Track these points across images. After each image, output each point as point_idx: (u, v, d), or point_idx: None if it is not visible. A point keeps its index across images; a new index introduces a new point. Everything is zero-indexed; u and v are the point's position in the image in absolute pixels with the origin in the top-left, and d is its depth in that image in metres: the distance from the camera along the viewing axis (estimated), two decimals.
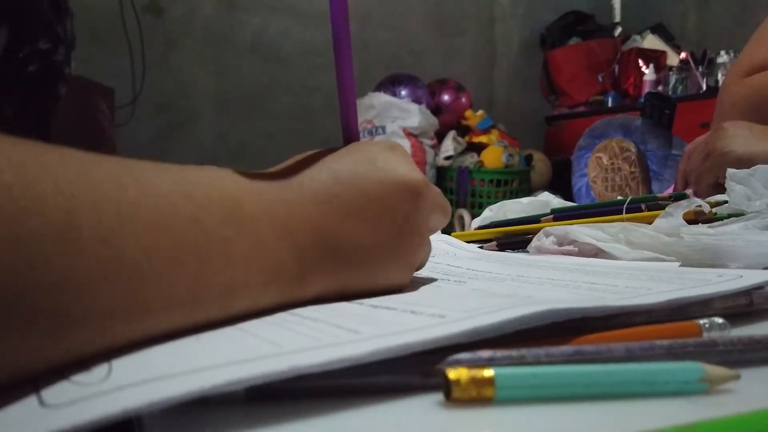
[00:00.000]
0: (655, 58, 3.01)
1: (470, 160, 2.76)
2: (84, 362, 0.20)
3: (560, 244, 0.49)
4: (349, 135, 0.36)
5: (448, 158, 2.76)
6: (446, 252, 0.49)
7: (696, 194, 0.80)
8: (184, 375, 0.18)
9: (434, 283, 0.35)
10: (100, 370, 0.19)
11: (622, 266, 0.41)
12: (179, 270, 0.23)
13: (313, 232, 0.28)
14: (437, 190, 0.35)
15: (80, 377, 0.19)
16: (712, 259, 0.39)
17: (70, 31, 0.54)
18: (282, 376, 0.19)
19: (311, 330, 0.23)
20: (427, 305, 0.26)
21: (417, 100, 2.71)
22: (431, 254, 0.37)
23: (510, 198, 0.73)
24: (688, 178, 0.82)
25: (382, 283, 0.32)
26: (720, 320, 0.26)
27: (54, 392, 0.18)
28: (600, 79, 3.11)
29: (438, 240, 0.54)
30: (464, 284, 0.35)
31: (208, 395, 0.18)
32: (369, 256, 0.30)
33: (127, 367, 0.20)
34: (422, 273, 0.39)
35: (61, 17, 0.52)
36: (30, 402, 0.18)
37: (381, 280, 0.31)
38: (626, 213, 0.55)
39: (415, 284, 0.35)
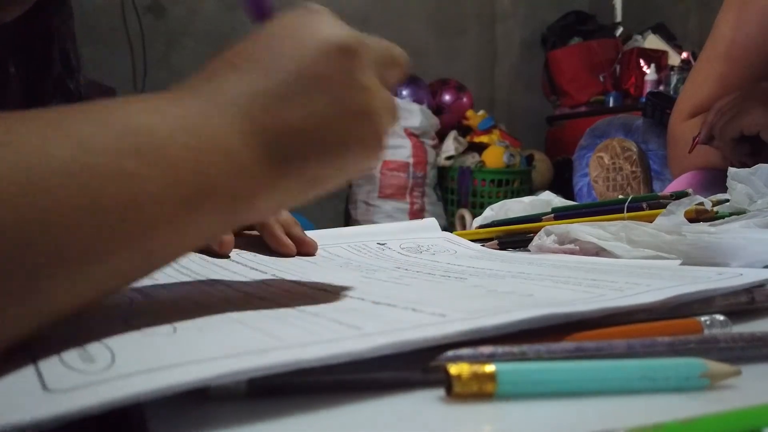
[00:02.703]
0: (656, 58, 3.01)
1: (471, 160, 2.75)
2: (85, 352, 0.20)
3: (561, 243, 0.49)
4: (260, 11, 0.32)
5: (449, 158, 2.76)
6: (446, 250, 0.50)
7: (718, 148, 0.83)
8: (188, 365, 0.18)
9: (435, 280, 0.35)
10: (103, 360, 0.19)
11: (622, 264, 0.41)
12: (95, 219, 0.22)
13: (242, 136, 0.26)
14: (376, 43, 0.30)
15: (83, 366, 0.19)
16: (713, 258, 0.39)
17: (81, 86, 0.55)
18: (284, 369, 0.19)
19: (313, 325, 0.23)
20: (427, 304, 0.26)
21: (418, 100, 2.71)
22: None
23: (511, 198, 0.73)
24: (713, 130, 0.83)
25: (351, 165, 0.29)
26: (721, 317, 0.26)
27: (57, 378, 0.18)
28: (601, 79, 3.11)
29: (438, 237, 0.54)
30: (465, 281, 0.35)
31: (211, 385, 0.18)
32: (317, 139, 0.27)
33: (131, 357, 0.20)
34: (422, 270, 0.39)
35: (71, 72, 0.52)
36: (33, 387, 0.18)
37: (346, 162, 0.29)
38: (627, 212, 0.55)
39: (416, 281, 0.35)
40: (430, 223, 0.57)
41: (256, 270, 0.39)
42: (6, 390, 0.18)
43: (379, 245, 0.50)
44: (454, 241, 0.53)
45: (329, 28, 0.28)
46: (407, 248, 0.49)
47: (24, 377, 0.18)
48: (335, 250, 0.48)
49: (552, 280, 0.34)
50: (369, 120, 0.28)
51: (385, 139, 0.30)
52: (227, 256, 0.43)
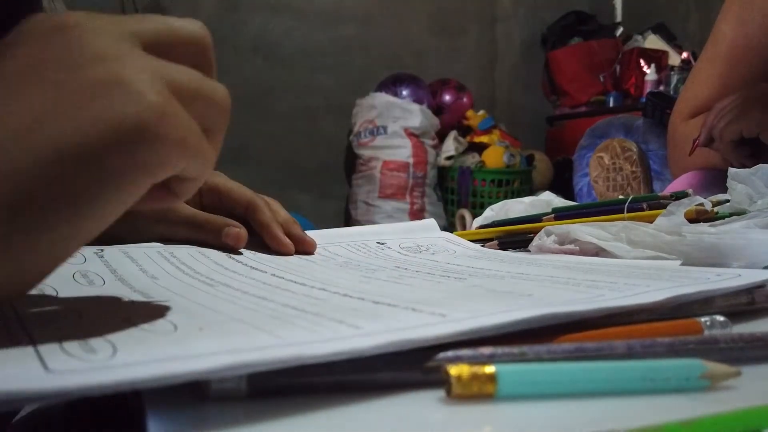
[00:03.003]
0: (656, 58, 3.01)
1: (471, 160, 2.76)
2: (87, 344, 0.20)
3: (561, 243, 0.49)
4: None
5: (449, 158, 2.76)
6: (446, 250, 0.50)
7: (718, 150, 0.83)
8: (189, 358, 0.19)
9: (434, 280, 0.35)
10: (104, 352, 0.19)
11: (622, 264, 0.41)
12: None
13: None
14: (137, 20, 0.23)
15: (85, 356, 0.19)
16: (713, 258, 0.39)
17: None
18: (285, 365, 0.19)
19: (313, 324, 0.23)
20: (427, 303, 0.26)
21: (418, 100, 2.71)
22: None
23: (511, 198, 0.73)
24: (713, 132, 0.83)
25: (134, 167, 0.21)
26: (721, 318, 0.26)
27: (59, 362, 0.18)
28: (601, 79, 3.11)
29: (437, 237, 0.54)
30: (464, 281, 0.35)
31: (211, 385, 0.18)
32: (43, 142, 0.19)
33: (132, 350, 0.20)
34: (421, 270, 0.39)
35: None
36: (34, 367, 0.18)
37: (119, 162, 0.20)
38: (627, 212, 0.55)
39: (416, 281, 0.35)
40: (430, 223, 0.57)
41: (257, 269, 0.39)
42: (7, 368, 0.18)
43: (378, 245, 0.50)
44: (453, 241, 0.53)
45: (42, 17, 0.22)
46: (406, 248, 0.49)
47: (25, 360, 0.19)
48: (335, 249, 0.48)
49: (551, 280, 0.34)
50: (119, 94, 0.20)
51: (176, 119, 0.21)
52: (239, 252, 0.44)
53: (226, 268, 0.39)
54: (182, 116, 0.21)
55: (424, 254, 0.47)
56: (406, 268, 0.40)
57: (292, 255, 0.46)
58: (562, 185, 2.64)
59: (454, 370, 0.19)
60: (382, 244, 0.50)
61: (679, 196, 0.56)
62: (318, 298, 0.30)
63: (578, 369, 0.20)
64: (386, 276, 0.37)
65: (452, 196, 2.78)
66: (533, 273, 0.37)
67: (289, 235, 0.47)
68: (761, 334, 0.24)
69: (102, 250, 0.40)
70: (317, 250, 0.47)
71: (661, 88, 2.82)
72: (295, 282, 0.34)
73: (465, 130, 2.85)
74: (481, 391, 0.19)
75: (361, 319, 0.24)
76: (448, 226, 2.60)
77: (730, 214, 0.51)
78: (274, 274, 0.37)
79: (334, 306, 0.27)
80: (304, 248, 0.47)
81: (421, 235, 0.54)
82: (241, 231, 0.44)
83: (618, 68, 3.12)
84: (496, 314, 0.23)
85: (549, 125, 3.29)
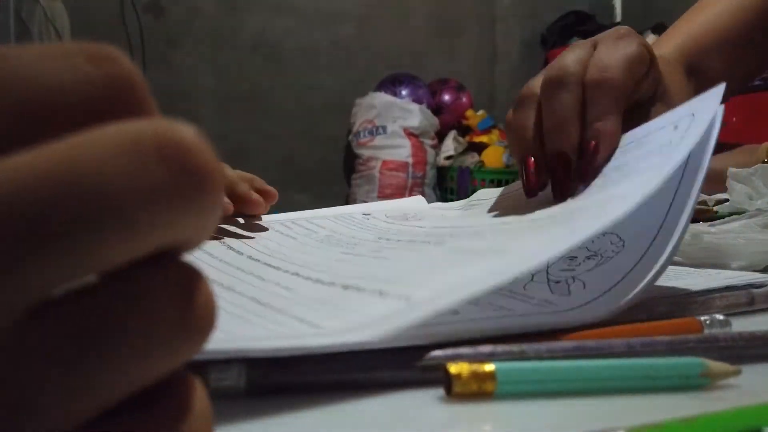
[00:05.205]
0: None
1: (471, 160, 2.76)
2: None
3: None
4: None
5: (448, 158, 2.76)
6: (433, 215, 0.48)
7: None
8: None
9: (414, 248, 0.35)
10: None
11: None
12: None
13: None
14: None
15: None
16: (713, 258, 0.39)
17: None
18: (227, 356, 0.19)
19: (273, 324, 0.23)
20: (396, 282, 0.26)
21: (418, 100, 2.71)
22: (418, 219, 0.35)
23: None
24: None
25: None
26: (721, 317, 0.26)
27: None
28: None
29: (426, 208, 0.52)
30: (443, 245, 0.34)
31: (210, 383, 0.18)
32: None
33: None
34: (403, 238, 0.38)
35: None
36: None
37: None
38: None
39: (395, 251, 0.35)
40: (418, 199, 0.55)
41: (233, 249, 0.38)
42: None
43: (364, 215, 0.48)
44: (443, 207, 0.51)
45: None
46: (392, 216, 0.47)
47: None
48: (320, 222, 0.46)
49: (531, 227, 0.33)
50: None
51: None
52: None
53: (205, 252, 0.37)
54: None
55: (411, 221, 0.45)
56: (387, 239, 0.39)
57: (259, 212, 0.45)
58: None
59: (453, 369, 0.19)
60: (368, 215, 0.48)
61: None
62: (288, 286, 0.29)
63: (578, 367, 0.20)
64: (365, 250, 0.36)
65: (451, 196, 2.78)
66: (516, 226, 0.35)
67: (231, 195, 0.44)
68: (761, 333, 0.24)
69: None
70: (301, 223, 0.45)
71: None
72: (270, 265, 0.34)
73: (464, 130, 2.85)
74: (480, 390, 0.19)
75: (323, 315, 0.23)
76: None
77: (730, 214, 0.51)
78: (250, 256, 0.36)
79: (303, 296, 0.27)
80: (250, 208, 0.45)
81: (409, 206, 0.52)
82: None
83: None
84: (455, 291, 0.22)
85: None
